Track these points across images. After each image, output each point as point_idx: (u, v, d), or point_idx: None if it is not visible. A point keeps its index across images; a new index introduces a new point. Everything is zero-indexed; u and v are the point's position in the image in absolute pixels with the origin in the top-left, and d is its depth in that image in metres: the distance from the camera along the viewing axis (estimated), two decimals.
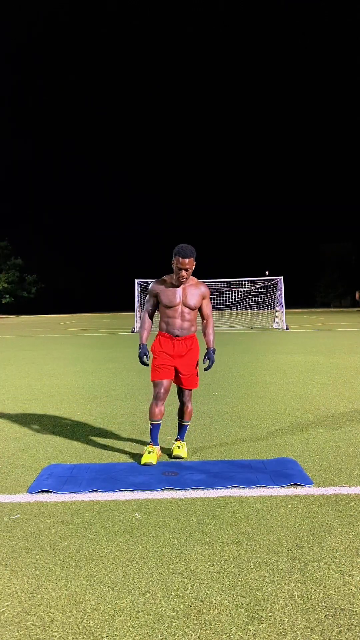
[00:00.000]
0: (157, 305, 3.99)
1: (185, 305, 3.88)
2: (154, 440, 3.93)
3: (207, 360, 3.94)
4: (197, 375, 4.06)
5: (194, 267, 3.82)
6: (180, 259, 3.70)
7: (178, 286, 3.87)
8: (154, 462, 3.76)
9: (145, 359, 3.93)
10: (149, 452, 3.83)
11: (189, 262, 3.73)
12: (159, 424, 3.94)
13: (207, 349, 3.98)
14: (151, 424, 3.93)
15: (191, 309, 3.90)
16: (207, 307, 4.01)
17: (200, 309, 4.00)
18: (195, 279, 3.94)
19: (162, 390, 3.89)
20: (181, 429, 4.12)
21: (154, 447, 3.90)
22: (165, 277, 3.94)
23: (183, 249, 3.72)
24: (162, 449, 4.09)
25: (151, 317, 4.04)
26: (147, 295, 4.04)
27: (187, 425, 4.12)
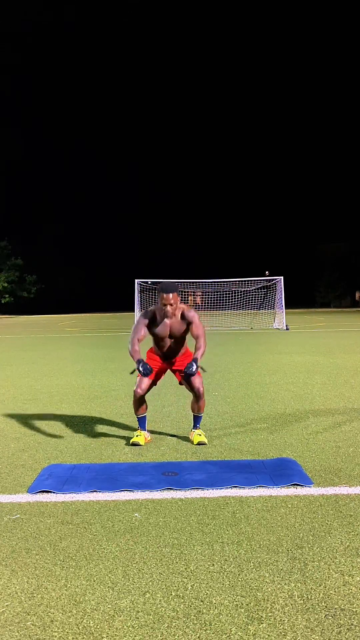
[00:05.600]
0: (146, 333, 4.20)
1: (172, 337, 4.21)
2: (141, 427, 4.39)
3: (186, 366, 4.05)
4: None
5: (178, 301, 4.10)
6: (164, 295, 4.01)
7: (165, 318, 4.14)
8: (142, 443, 4.24)
9: (149, 367, 4.05)
10: (137, 436, 4.31)
11: (173, 297, 4.03)
12: (145, 417, 4.39)
13: (193, 358, 4.09)
14: (138, 418, 4.38)
15: (178, 338, 4.24)
16: (196, 329, 4.16)
17: (190, 331, 4.18)
18: (183, 306, 4.16)
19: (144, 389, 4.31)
20: (196, 419, 4.44)
21: (142, 431, 4.36)
22: (154, 309, 4.20)
23: (165, 285, 4.07)
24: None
25: (139, 341, 4.19)
26: (137, 324, 4.21)
27: (201, 416, 4.47)
